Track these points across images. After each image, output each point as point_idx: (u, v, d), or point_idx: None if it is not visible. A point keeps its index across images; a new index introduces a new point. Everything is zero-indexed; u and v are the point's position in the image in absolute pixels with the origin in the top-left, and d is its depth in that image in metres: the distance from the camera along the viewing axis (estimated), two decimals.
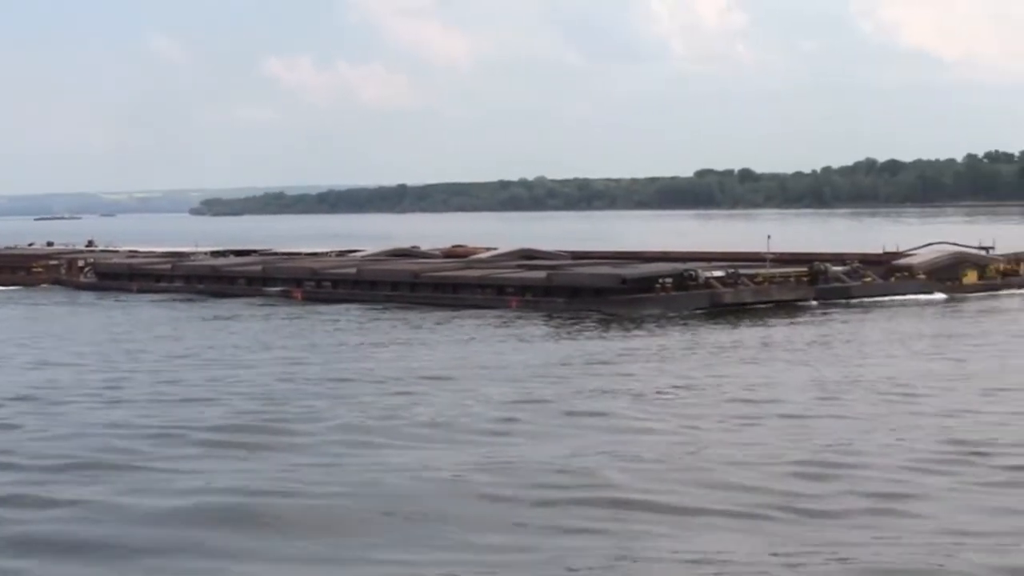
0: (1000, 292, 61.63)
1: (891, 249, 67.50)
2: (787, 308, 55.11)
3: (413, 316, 55.30)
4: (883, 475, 21.53)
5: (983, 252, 65.70)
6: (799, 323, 50.08)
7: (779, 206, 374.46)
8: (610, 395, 31.08)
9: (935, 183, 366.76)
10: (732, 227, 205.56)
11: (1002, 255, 65.71)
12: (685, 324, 49.67)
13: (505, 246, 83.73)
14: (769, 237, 60.48)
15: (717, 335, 45.77)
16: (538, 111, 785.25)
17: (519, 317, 53.35)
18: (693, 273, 57.00)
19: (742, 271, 58.03)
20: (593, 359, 38.85)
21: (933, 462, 22.53)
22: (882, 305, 56.58)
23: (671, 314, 53.12)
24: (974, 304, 56.86)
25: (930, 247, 67.37)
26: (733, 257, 67.76)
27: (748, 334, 46.16)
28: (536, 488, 20.78)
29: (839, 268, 60.39)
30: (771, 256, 60.30)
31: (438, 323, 52.12)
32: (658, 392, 31.74)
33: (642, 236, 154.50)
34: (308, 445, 25.22)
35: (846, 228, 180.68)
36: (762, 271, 58.49)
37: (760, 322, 50.38)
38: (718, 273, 57.59)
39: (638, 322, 50.41)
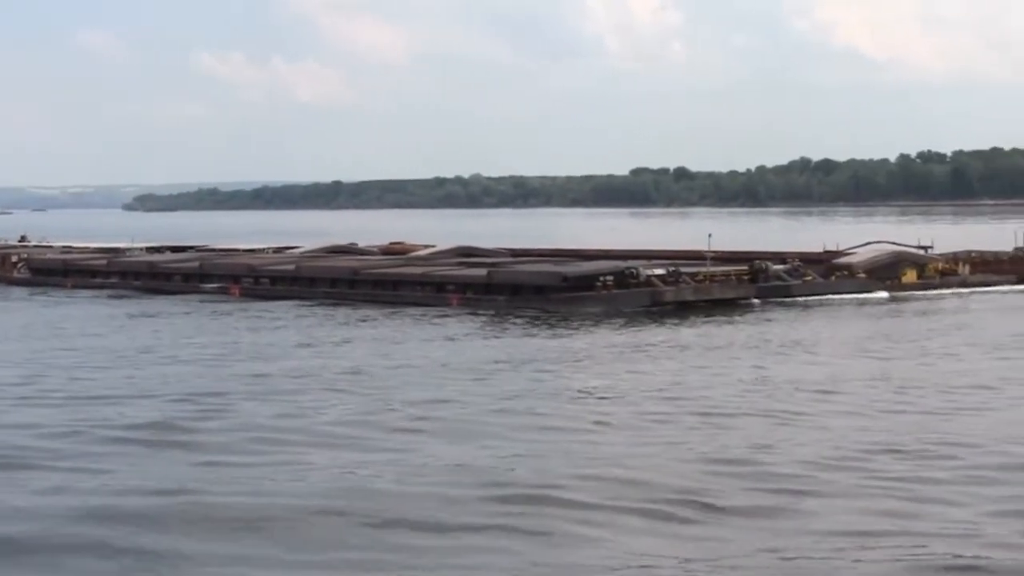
0: (939, 291, 61.43)
1: (831, 248, 67.27)
2: (728, 306, 54.63)
3: (351, 313, 54.47)
4: (795, 472, 21.27)
5: (922, 251, 65.52)
6: (738, 322, 49.56)
7: (714, 205, 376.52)
8: (536, 394, 30.41)
9: (868, 183, 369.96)
10: (668, 225, 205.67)
11: (940, 254, 65.54)
12: (621, 322, 49.07)
13: (443, 243, 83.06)
14: (710, 235, 59.83)
15: (651, 333, 45.16)
16: (474, 108, 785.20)
17: (456, 315, 52.63)
18: (634, 271, 56.43)
19: (683, 269, 57.52)
20: (524, 357, 37.96)
21: (847, 459, 22.28)
22: (823, 304, 56.26)
23: (612, 312, 52.59)
24: (914, 304, 56.67)
25: (869, 246, 67.13)
26: (673, 255, 67.11)
27: (684, 333, 45.55)
28: (452, 488, 20.25)
29: (780, 267, 59.96)
30: (712, 254, 59.75)
31: (364, 320, 51.36)
32: (581, 391, 31.14)
33: (580, 234, 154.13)
34: (224, 444, 24.51)
35: (781, 227, 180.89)
36: (703, 269, 57.97)
37: (699, 321, 49.82)
38: (659, 271, 57.02)
39: (577, 320, 49.82)
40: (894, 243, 67.42)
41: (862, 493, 19.85)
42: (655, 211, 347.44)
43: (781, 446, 23.45)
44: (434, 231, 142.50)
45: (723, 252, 63.38)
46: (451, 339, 43.97)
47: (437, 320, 50.61)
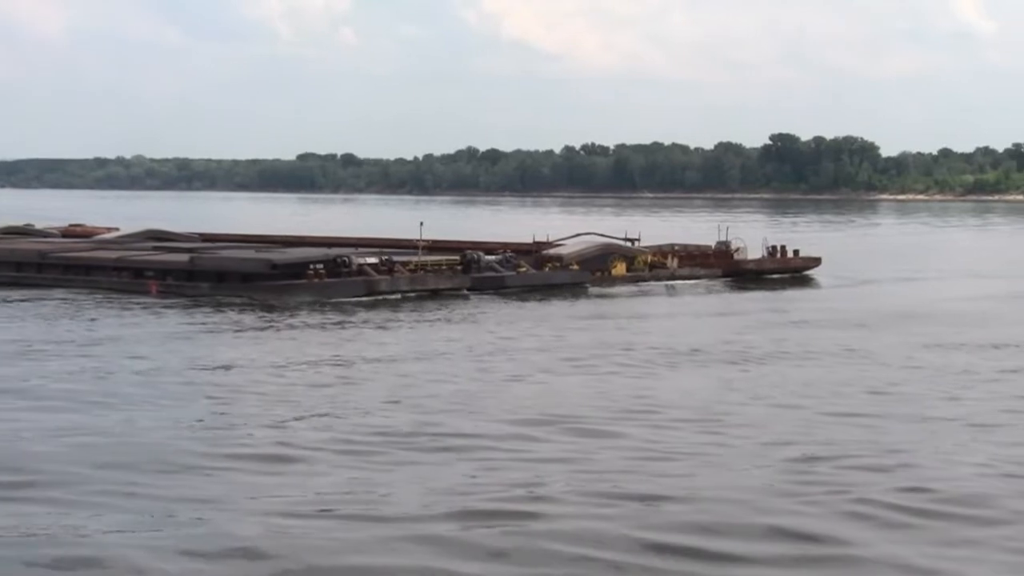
0: (648, 283, 61.61)
1: (540, 239, 66.78)
2: (443, 298, 53.23)
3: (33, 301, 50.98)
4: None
5: (629, 244, 65.67)
6: (450, 320, 47.54)
7: (381, 192, 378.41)
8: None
9: (534, 173, 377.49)
10: (339, 211, 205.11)
11: (647, 247, 65.82)
12: (330, 319, 46.55)
13: (127, 226, 79.79)
14: (422, 224, 58.34)
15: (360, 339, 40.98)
16: (138, 89, 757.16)
17: (153, 304, 49.63)
18: (346, 259, 54.53)
19: (395, 258, 55.97)
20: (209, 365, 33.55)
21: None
22: (537, 295, 55.40)
23: (325, 302, 50.54)
24: (625, 296, 56.68)
25: (578, 238, 67.05)
26: (382, 243, 65.72)
27: (393, 337, 41.92)
28: None
29: (492, 257, 59.03)
30: (424, 244, 58.28)
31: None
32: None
33: (248, 218, 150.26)
34: None
35: (464, 215, 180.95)
36: (415, 259, 56.49)
37: (412, 319, 47.64)
38: (371, 260, 55.30)
39: (287, 312, 47.26)
40: (602, 235, 67.45)
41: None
42: (322, 196, 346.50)
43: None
44: (102, 213, 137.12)
45: (432, 241, 61.98)
46: (118, 340, 39.01)
47: (126, 311, 47.46)
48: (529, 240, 66.64)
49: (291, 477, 20.84)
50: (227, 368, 32.75)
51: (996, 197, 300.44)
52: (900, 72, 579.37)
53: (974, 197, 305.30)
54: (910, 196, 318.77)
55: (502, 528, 17.66)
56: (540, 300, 53.39)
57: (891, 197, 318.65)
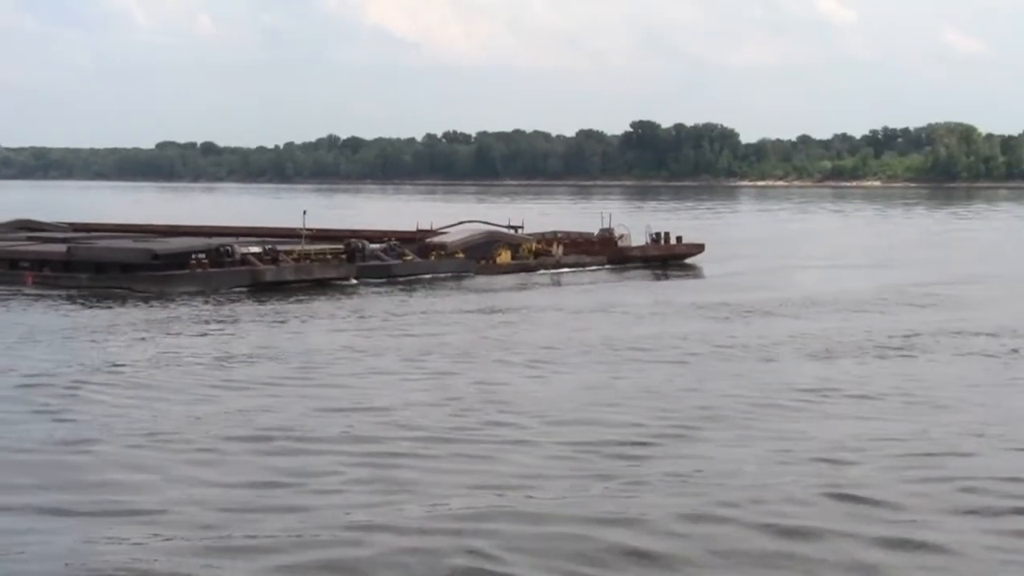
0: (533, 271, 61.27)
1: (424, 226, 66.19)
2: (328, 287, 52.42)
3: None
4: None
5: (513, 231, 65.30)
6: (335, 316, 46.86)
7: (241, 180, 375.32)
8: None
9: (396, 161, 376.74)
10: (203, 200, 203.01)
11: (531, 234, 65.50)
12: (214, 317, 45.39)
13: None
14: (305, 212, 57.48)
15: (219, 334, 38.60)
16: None
17: (27, 297, 48.23)
18: (229, 249, 53.45)
19: (278, 247, 55.00)
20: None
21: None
22: (423, 284, 54.84)
23: (209, 292, 49.50)
24: (509, 286, 55.99)
25: (462, 225, 66.51)
26: (263, 232, 64.67)
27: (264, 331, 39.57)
28: None
29: (376, 246, 58.34)
30: (307, 232, 57.38)
31: None
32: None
33: (121, 207, 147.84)
34: None
35: (327, 204, 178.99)
36: (298, 248, 55.60)
37: (298, 312, 46.59)
38: (255, 249, 54.27)
39: (167, 305, 45.84)
40: (486, 223, 66.97)
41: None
42: (182, 185, 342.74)
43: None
44: None
45: (315, 230, 61.08)
46: None
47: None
48: (410, 228, 66.08)
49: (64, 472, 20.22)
50: (69, 363, 31.31)
51: (854, 183, 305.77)
52: (760, 61, 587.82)
53: (832, 183, 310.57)
54: (769, 182, 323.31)
55: (273, 520, 17.39)
56: (426, 290, 52.73)
57: (751, 183, 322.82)
